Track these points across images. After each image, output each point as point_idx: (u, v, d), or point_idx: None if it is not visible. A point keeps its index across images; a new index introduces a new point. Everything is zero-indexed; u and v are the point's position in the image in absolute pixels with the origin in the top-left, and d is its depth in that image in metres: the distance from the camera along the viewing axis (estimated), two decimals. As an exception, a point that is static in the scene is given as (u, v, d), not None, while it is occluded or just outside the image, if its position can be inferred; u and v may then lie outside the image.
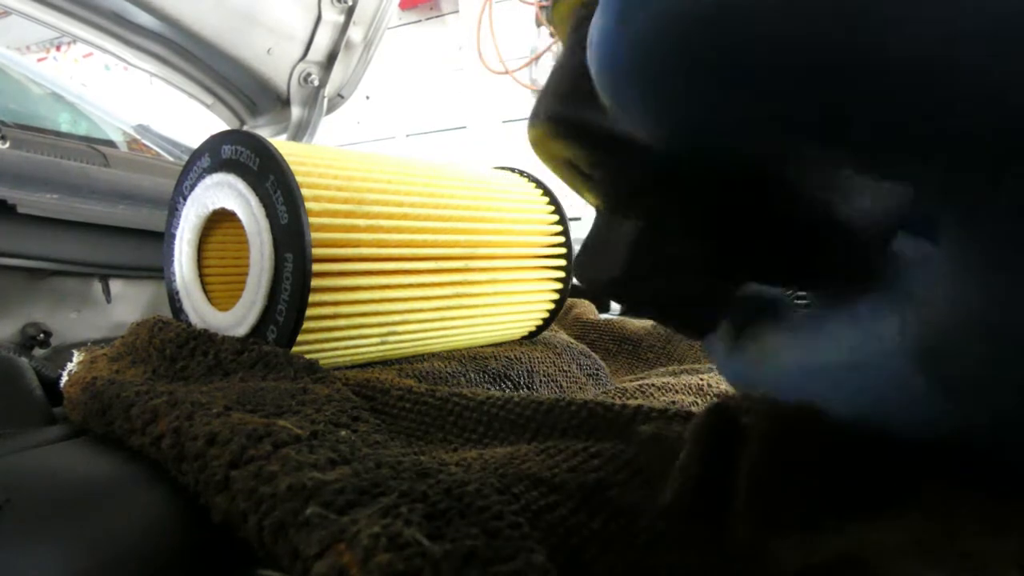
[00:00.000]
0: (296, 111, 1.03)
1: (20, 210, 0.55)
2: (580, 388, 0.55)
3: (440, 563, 0.17)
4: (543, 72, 2.91)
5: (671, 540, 0.21)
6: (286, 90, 1.01)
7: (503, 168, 0.65)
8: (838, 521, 0.17)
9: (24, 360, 0.40)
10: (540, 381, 0.53)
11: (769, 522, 0.17)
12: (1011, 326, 0.14)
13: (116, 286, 0.64)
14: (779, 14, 0.13)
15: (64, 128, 0.97)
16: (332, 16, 0.97)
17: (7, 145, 0.68)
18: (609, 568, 0.20)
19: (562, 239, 0.59)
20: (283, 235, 0.40)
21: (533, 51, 2.90)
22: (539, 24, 2.87)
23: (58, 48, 4.03)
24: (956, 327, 0.15)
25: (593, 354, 0.61)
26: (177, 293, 0.48)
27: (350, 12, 0.97)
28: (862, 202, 0.19)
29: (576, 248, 0.63)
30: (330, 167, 0.44)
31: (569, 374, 0.56)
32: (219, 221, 0.47)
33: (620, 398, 0.44)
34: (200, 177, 0.46)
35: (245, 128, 1.07)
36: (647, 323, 0.76)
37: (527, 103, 3.02)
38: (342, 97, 1.07)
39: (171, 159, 1.01)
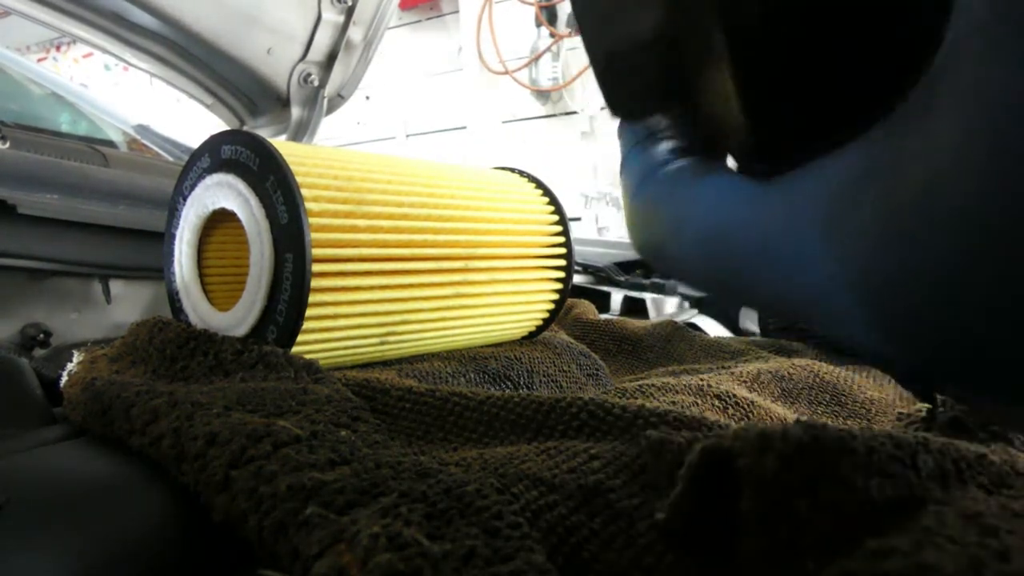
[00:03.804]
0: (296, 111, 1.03)
1: (20, 210, 0.55)
2: (580, 388, 0.55)
3: (440, 563, 0.17)
4: (543, 72, 2.90)
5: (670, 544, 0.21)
6: (286, 90, 1.01)
7: (503, 168, 0.65)
8: (865, 536, 0.16)
9: (24, 360, 0.40)
10: (540, 381, 0.53)
11: (784, 556, 0.17)
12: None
13: (116, 286, 0.64)
14: None
15: (64, 128, 0.97)
16: (332, 16, 0.97)
17: (7, 145, 0.68)
18: (608, 567, 0.21)
19: (562, 239, 0.59)
20: (283, 235, 0.40)
21: (533, 51, 2.90)
22: (539, 24, 2.87)
23: (58, 48, 4.03)
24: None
25: (593, 354, 0.61)
26: (177, 293, 0.48)
27: (350, 12, 0.97)
28: None
29: (576, 248, 0.63)
30: (330, 167, 0.44)
31: (569, 374, 0.56)
32: (219, 221, 0.47)
33: (620, 398, 0.44)
34: (200, 177, 0.46)
35: (245, 128, 1.07)
36: (647, 323, 0.76)
37: (527, 103, 3.02)
38: (342, 97, 1.07)
39: (171, 159, 1.01)
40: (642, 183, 0.25)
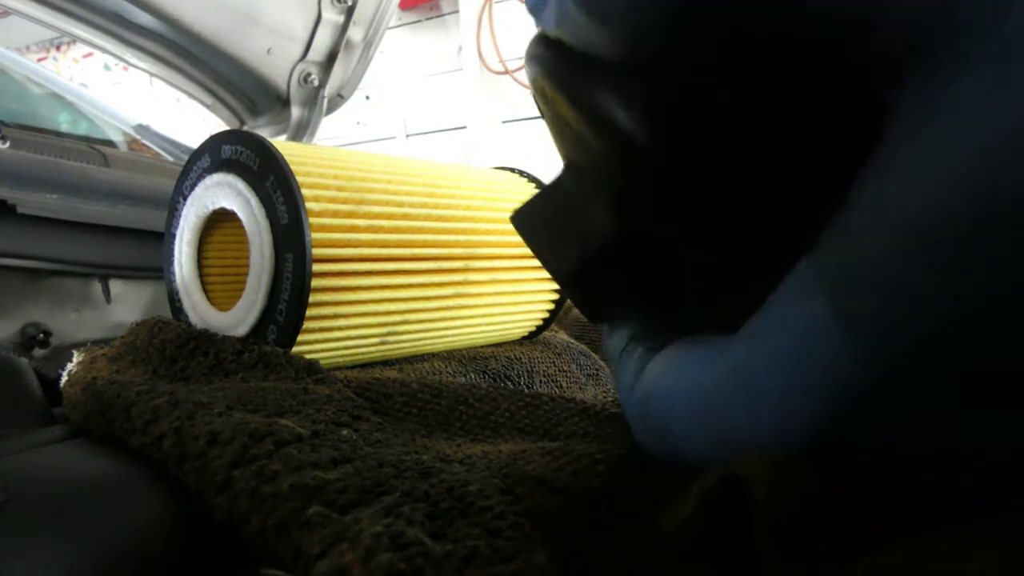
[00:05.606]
0: (296, 111, 1.03)
1: (20, 210, 0.55)
2: (580, 388, 0.55)
3: (442, 562, 0.17)
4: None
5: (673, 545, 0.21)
6: (286, 90, 1.01)
7: (503, 168, 0.65)
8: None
9: (24, 360, 0.40)
10: (540, 381, 0.53)
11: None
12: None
13: (116, 286, 0.64)
14: None
15: (64, 128, 0.97)
16: (332, 16, 0.97)
17: (7, 145, 0.68)
18: (610, 568, 0.20)
19: (562, 239, 0.59)
20: (283, 235, 0.40)
21: (533, 51, 2.89)
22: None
23: (58, 48, 4.03)
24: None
25: (593, 354, 0.61)
26: (177, 293, 0.48)
27: (350, 12, 0.97)
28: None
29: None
30: (330, 167, 0.44)
31: (569, 374, 0.56)
32: (219, 221, 0.47)
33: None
34: (200, 177, 0.46)
35: (245, 128, 1.07)
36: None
37: (527, 103, 3.02)
38: (342, 97, 1.07)
39: (171, 159, 1.01)
40: (627, 393, 0.26)
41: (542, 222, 0.25)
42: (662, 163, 0.20)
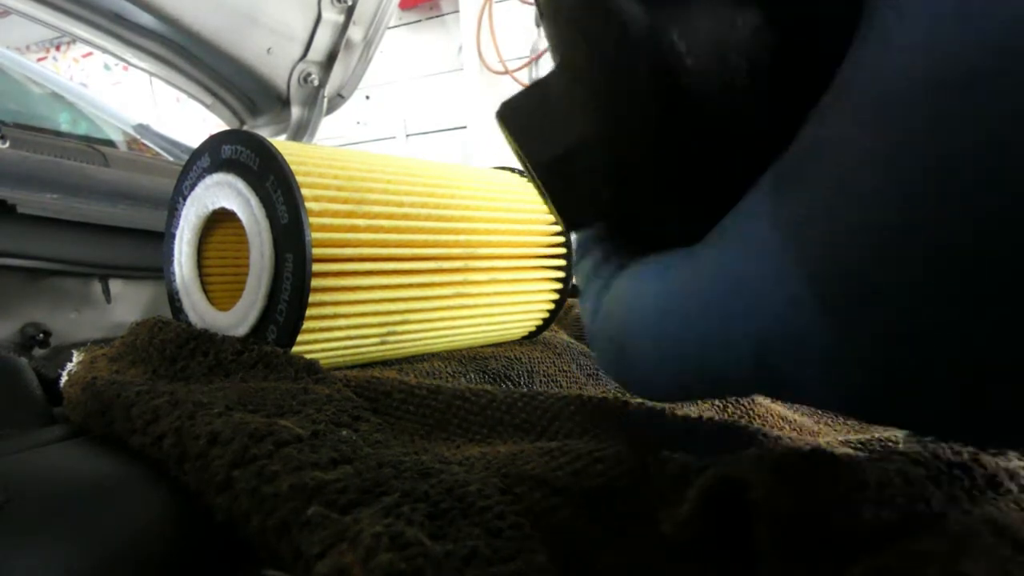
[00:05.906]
0: (296, 111, 1.03)
1: (20, 210, 0.55)
2: (580, 388, 0.55)
3: (442, 562, 0.17)
4: (543, 72, 2.90)
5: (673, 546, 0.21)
6: (286, 90, 1.01)
7: (503, 168, 0.65)
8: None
9: (24, 360, 0.40)
10: (540, 381, 0.53)
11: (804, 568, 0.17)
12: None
13: (116, 286, 0.64)
14: None
15: (64, 128, 0.97)
16: (332, 16, 0.97)
17: (7, 145, 0.68)
18: (610, 568, 0.20)
19: (562, 239, 0.59)
20: (283, 235, 0.40)
21: (533, 51, 2.90)
22: (539, 24, 2.87)
23: (58, 48, 4.03)
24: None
25: (593, 354, 0.61)
26: (177, 293, 0.48)
27: (350, 12, 0.97)
28: None
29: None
30: (330, 167, 0.44)
31: (569, 374, 0.56)
32: (219, 221, 0.47)
33: (620, 396, 0.44)
34: (200, 177, 0.46)
35: (245, 128, 1.07)
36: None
37: (527, 103, 3.01)
38: (342, 97, 1.07)
39: (171, 159, 1.01)
40: (591, 313, 0.25)
41: (526, 114, 0.24)
42: (656, 56, 0.19)
